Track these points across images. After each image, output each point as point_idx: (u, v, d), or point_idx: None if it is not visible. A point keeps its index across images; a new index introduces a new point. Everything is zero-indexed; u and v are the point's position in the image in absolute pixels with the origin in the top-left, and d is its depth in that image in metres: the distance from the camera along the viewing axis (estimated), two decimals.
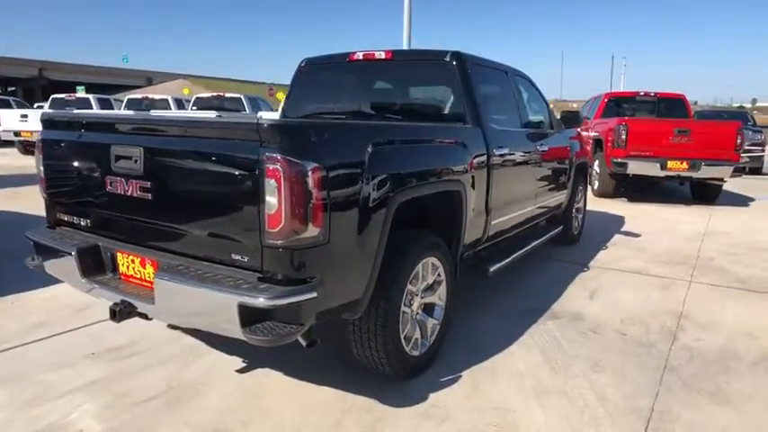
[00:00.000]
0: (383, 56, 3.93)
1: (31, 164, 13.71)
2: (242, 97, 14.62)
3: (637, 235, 6.67)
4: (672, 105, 10.40)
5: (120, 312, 2.47)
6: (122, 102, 16.85)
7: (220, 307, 2.13)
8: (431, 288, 3.04)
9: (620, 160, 8.62)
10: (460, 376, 3.00)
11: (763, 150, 13.65)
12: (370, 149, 2.42)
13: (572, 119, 5.08)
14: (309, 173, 2.08)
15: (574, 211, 5.86)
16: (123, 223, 2.63)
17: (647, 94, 10.50)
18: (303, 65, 4.34)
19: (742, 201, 9.78)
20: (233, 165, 2.17)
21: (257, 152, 2.07)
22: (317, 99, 4.34)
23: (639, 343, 3.50)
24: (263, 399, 2.74)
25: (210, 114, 2.59)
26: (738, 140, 8.33)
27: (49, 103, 16.40)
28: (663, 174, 8.56)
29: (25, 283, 4.27)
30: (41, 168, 2.94)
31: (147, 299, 2.44)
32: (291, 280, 2.15)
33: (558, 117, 5.19)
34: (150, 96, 16.43)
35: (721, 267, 5.30)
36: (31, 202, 7.85)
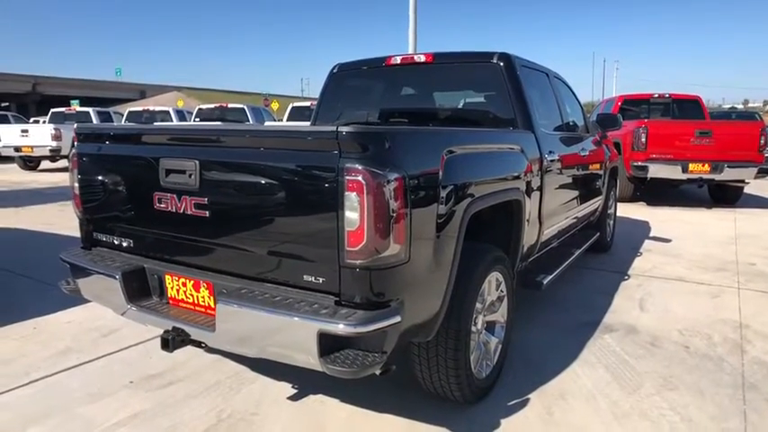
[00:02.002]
0: (423, 59, 3.75)
1: (30, 179, 13.51)
2: (245, 107, 14.45)
3: (667, 240, 6.50)
4: (687, 107, 10.28)
5: (174, 341, 2.26)
6: (122, 114, 16.64)
7: (296, 335, 1.92)
8: (492, 305, 2.84)
9: (640, 164, 8.47)
10: (528, 399, 2.79)
11: None
12: (445, 157, 2.23)
13: (610, 122, 4.91)
14: (392, 185, 1.89)
15: (607, 216, 5.69)
16: (173, 243, 2.42)
17: (661, 96, 10.37)
18: (335, 70, 4.15)
19: (764, 202, 9.64)
20: (307, 177, 1.98)
21: (336, 163, 1.87)
22: (353, 105, 4.15)
23: (706, 356, 3.31)
24: (327, 431, 2.52)
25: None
26: (762, 141, 8.20)
27: (48, 117, 16.18)
28: (684, 177, 8.41)
29: (43, 307, 4.04)
30: (76, 185, 2.73)
31: (204, 326, 2.23)
32: (372, 303, 1.95)
33: (594, 119, 5.03)
34: (151, 108, 16.22)
35: (766, 273, 5.12)
36: (34, 219, 7.62)
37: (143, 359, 3.24)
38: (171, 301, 2.45)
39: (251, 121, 13.98)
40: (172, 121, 15.42)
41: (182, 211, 2.27)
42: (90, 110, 16.01)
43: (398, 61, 3.84)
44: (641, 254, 5.86)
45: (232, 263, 2.24)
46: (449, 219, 2.24)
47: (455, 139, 2.45)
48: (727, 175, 8.29)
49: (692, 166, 8.30)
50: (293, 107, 13.64)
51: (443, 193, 2.19)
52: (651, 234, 6.86)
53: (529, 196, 3.13)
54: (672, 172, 8.40)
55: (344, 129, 1.86)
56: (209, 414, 2.64)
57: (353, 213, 1.87)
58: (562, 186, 3.85)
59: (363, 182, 1.84)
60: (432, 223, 2.13)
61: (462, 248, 2.36)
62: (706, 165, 8.26)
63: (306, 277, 2.03)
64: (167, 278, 2.43)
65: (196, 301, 2.35)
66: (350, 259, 1.91)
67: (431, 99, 4.01)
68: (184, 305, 2.40)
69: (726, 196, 9.08)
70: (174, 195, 2.28)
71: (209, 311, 2.32)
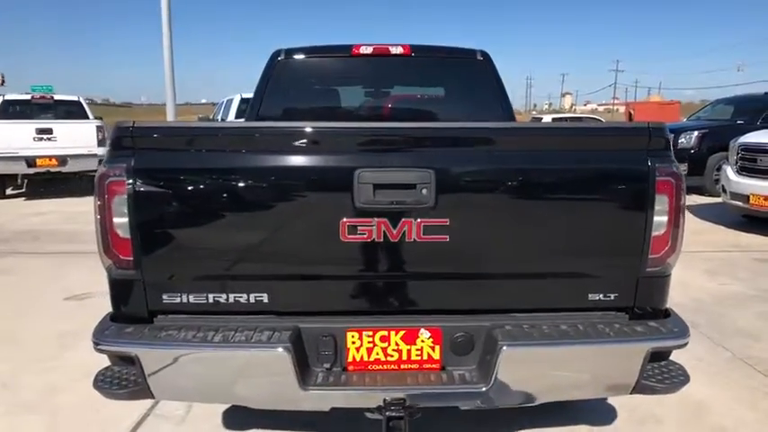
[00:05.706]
0: (400, 51, 3.47)
1: None
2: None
3: None
4: None
5: (409, 417, 1.66)
6: None
7: (621, 361, 1.68)
8: None
9: None
10: None
11: None
12: None
13: None
14: (682, 184, 1.80)
15: None
16: (367, 286, 1.74)
17: None
18: (281, 57, 3.46)
19: None
20: (605, 181, 1.73)
21: (646, 163, 1.68)
22: (308, 99, 3.54)
23: None
24: None
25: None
26: None
27: None
28: None
29: None
30: (122, 221, 1.65)
31: (454, 384, 1.70)
32: (661, 313, 1.84)
33: None
34: None
35: None
36: None
37: None
38: (352, 368, 1.75)
39: None
40: None
41: (397, 239, 1.65)
42: None
43: (369, 51, 3.46)
44: None
45: (476, 297, 1.75)
46: None
47: None
48: None
49: None
50: (5, 101, 10.25)
51: None
52: None
53: None
54: None
55: (654, 125, 1.69)
56: None
57: (662, 217, 1.72)
58: None
59: (673, 181, 1.72)
60: None
61: None
62: None
63: (591, 296, 1.76)
64: (349, 336, 1.73)
65: (405, 358, 1.75)
66: (651, 267, 1.76)
67: (404, 93, 3.74)
68: (379, 367, 1.76)
69: None
70: (385, 219, 1.63)
71: (426, 366, 1.77)
